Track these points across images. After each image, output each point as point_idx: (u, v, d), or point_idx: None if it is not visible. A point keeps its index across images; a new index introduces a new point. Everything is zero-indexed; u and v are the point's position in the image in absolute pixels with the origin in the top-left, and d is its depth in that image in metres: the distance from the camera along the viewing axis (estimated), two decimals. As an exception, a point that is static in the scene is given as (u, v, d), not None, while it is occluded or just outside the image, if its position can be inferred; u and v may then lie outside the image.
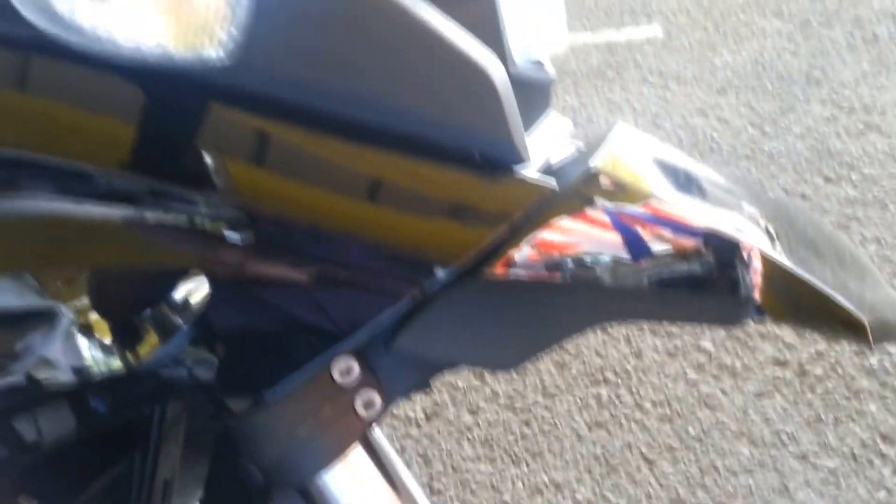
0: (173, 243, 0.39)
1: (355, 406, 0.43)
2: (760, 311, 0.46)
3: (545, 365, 1.79)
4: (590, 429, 1.65)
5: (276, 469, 0.43)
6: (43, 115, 0.37)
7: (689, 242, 0.43)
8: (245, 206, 0.38)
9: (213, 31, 0.36)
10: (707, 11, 3.47)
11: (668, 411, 1.67)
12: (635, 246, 0.43)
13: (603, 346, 1.84)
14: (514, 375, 1.79)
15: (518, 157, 0.40)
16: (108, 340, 0.43)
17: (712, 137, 2.59)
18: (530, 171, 0.41)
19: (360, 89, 0.36)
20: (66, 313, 0.41)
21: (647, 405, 1.69)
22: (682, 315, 0.46)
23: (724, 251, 0.43)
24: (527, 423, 1.68)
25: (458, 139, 0.38)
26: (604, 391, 1.73)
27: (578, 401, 1.72)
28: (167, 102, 0.37)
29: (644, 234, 0.43)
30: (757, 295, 0.45)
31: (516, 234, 0.40)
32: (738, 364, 1.76)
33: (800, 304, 0.46)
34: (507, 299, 0.41)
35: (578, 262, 0.41)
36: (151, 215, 0.37)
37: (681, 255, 0.43)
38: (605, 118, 2.73)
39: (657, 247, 0.43)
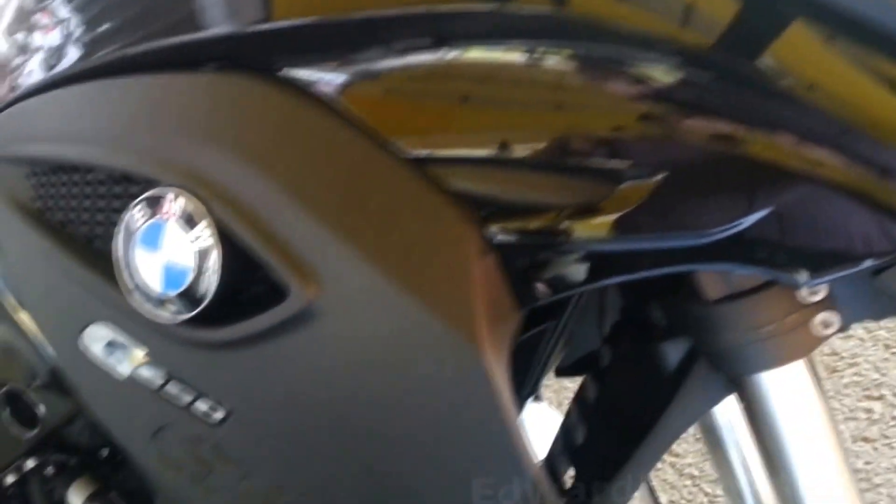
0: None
1: (814, 323, 0.47)
2: None
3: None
4: (854, 441, 1.57)
5: (724, 356, 0.48)
6: None
7: None
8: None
9: None
10: None
11: (948, 447, 1.54)
12: None
13: (884, 362, 1.72)
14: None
15: None
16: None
17: None
18: None
19: None
20: None
21: (924, 435, 1.57)
22: None
23: None
24: (783, 415, 1.63)
25: None
26: (877, 407, 1.63)
27: (846, 409, 1.63)
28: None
29: None
30: None
31: None
32: None
33: None
34: None
35: None
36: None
37: None
38: None
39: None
